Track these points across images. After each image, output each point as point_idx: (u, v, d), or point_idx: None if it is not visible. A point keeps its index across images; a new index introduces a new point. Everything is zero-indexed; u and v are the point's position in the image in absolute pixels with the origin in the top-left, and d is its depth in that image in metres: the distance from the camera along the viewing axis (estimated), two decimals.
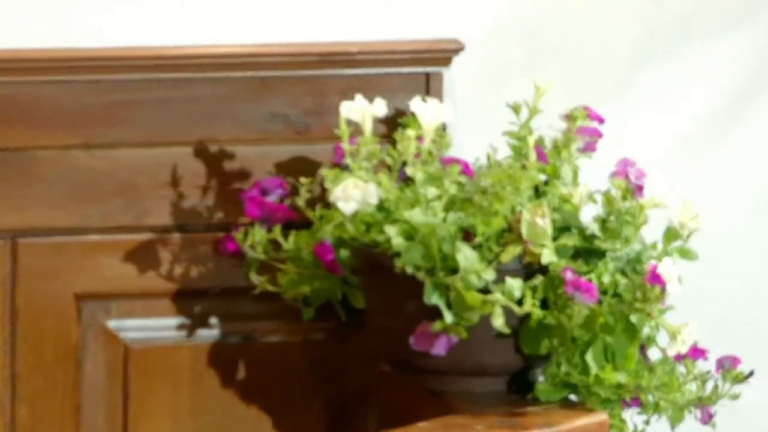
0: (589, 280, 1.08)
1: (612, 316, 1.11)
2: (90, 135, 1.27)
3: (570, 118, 1.22)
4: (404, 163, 1.16)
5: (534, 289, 1.09)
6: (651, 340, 1.17)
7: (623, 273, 1.14)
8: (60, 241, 1.27)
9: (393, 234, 1.10)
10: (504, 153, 1.22)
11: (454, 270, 1.08)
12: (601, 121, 1.24)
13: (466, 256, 1.08)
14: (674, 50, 1.44)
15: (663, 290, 1.10)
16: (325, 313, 1.27)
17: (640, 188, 1.19)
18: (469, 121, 1.32)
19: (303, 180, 1.23)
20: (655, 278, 1.10)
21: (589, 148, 1.23)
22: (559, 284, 1.09)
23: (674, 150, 1.45)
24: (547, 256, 1.08)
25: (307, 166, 1.30)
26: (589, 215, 1.18)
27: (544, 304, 1.10)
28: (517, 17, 1.38)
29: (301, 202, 1.23)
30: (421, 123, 1.18)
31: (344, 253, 1.21)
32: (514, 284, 1.08)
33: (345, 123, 1.19)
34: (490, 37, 1.37)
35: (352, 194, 1.13)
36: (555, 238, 1.11)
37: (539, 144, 1.22)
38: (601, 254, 1.14)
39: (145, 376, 1.30)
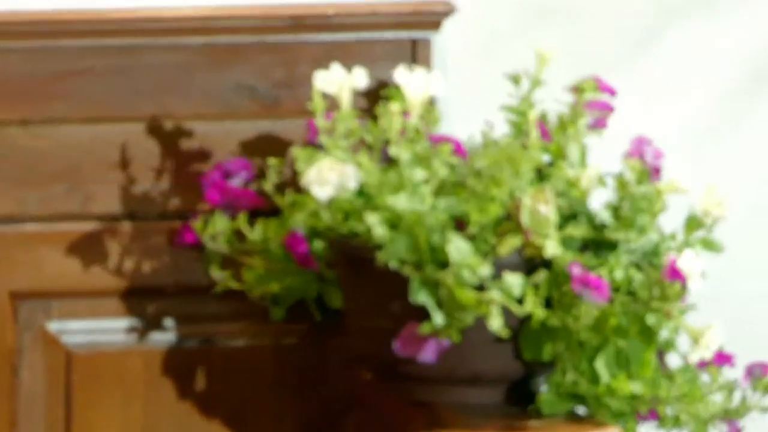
0: (599, 276, 1.03)
1: (625, 316, 1.07)
2: (28, 110, 1.21)
3: (577, 90, 1.17)
4: (387, 142, 1.12)
5: (536, 287, 1.05)
6: (670, 344, 1.11)
7: (638, 267, 1.09)
8: None
9: (374, 223, 1.06)
10: (502, 130, 1.18)
11: (444, 264, 1.05)
12: (612, 93, 1.19)
13: (458, 248, 1.04)
14: (692, 14, 1.41)
15: (683, 287, 1.06)
16: (298, 314, 1.23)
17: (657, 170, 1.13)
18: (461, 94, 1.29)
19: (272, 161, 1.19)
20: (675, 273, 1.05)
21: (599, 125, 1.19)
22: (564, 281, 1.04)
23: (694, 124, 1.42)
24: (551, 249, 1.04)
25: (276, 145, 1.25)
26: (599, 201, 1.13)
27: (548, 304, 1.06)
28: None
29: (269, 186, 1.19)
30: (406, 96, 1.13)
31: (319, 244, 1.17)
32: (514, 280, 1.04)
33: (319, 96, 1.14)
34: None
35: (328, 177, 1.09)
36: (560, 228, 1.06)
37: (542, 120, 1.17)
38: (612, 246, 1.10)
39: (90, 385, 1.24)
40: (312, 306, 1.22)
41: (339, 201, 1.10)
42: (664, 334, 1.09)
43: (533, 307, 1.04)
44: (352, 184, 1.09)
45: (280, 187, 1.19)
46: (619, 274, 1.07)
